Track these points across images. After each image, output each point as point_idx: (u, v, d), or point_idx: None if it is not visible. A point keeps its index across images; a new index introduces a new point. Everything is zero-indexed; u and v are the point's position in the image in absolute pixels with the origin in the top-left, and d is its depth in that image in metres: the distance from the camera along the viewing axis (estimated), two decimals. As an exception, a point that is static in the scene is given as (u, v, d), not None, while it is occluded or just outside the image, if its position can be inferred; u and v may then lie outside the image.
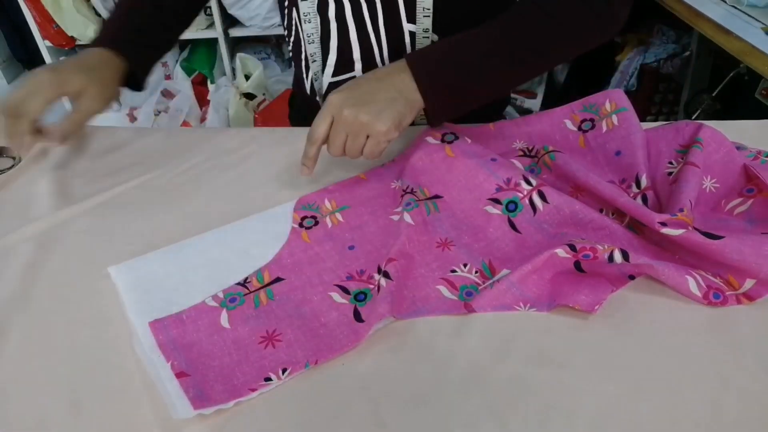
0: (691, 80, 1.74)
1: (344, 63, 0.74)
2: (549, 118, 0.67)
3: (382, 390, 0.46)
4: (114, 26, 0.73)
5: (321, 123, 0.60)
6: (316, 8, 0.71)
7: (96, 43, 0.69)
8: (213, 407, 0.44)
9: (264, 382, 0.46)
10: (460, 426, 0.43)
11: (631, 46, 1.88)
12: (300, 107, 0.92)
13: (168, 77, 2.28)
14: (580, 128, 0.66)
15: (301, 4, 0.71)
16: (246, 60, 2.18)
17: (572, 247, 0.53)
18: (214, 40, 2.21)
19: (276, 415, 0.45)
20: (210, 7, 2.08)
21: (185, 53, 2.32)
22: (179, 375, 0.46)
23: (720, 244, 0.50)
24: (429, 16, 0.68)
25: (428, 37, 0.69)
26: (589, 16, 0.61)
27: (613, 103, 0.64)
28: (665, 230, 0.52)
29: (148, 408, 0.45)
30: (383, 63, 0.72)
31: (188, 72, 2.24)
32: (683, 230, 0.51)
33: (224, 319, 0.51)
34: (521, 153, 0.67)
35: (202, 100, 2.19)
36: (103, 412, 0.45)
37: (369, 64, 0.73)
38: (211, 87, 2.16)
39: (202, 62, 2.28)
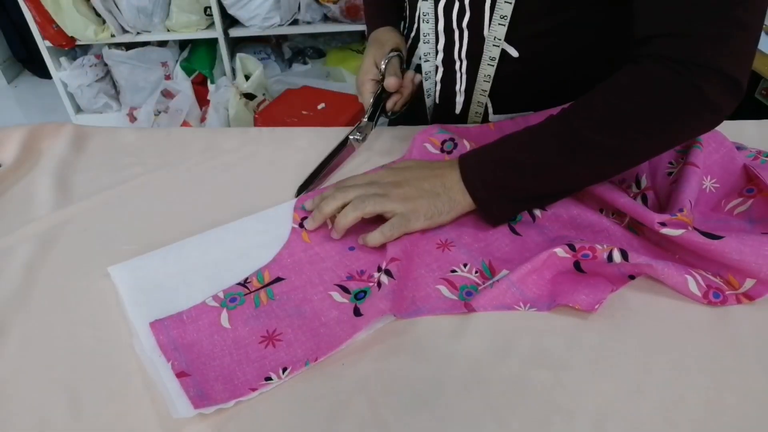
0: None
1: (429, 50, 0.77)
2: (550, 116, 0.67)
3: (382, 390, 0.46)
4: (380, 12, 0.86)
5: (355, 187, 0.60)
6: (433, 8, 0.73)
7: (377, 25, 0.83)
8: (213, 406, 0.44)
9: (264, 382, 0.46)
10: (460, 426, 0.43)
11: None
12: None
13: (168, 77, 2.28)
14: None
15: (422, 4, 0.73)
16: (246, 60, 2.18)
17: (571, 247, 0.53)
18: (214, 40, 2.22)
19: (276, 414, 0.45)
20: (210, 7, 2.08)
21: (185, 53, 2.32)
22: (180, 375, 0.46)
23: (720, 244, 0.50)
24: (504, 26, 0.66)
25: (498, 46, 0.68)
26: (679, 111, 0.53)
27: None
28: (665, 230, 0.52)
29: (149, 408, 0.45)
30: (460, 60, 0.73)
31: (188, 72, 2.24)
32: (683, 230, 0.51)
33: (224, 319, 0.51)
34: None
35: (202, 100, 2.19)
36: (103, 412, 0.45)
37: (448, 56, 0.74)
38: (211, 87, 2.16)
39: (202, 62, 2.28)
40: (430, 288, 0.54)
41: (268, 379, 0.46)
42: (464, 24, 0.69)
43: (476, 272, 0.56)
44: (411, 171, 0.62)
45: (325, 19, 2.19)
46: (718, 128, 0.61)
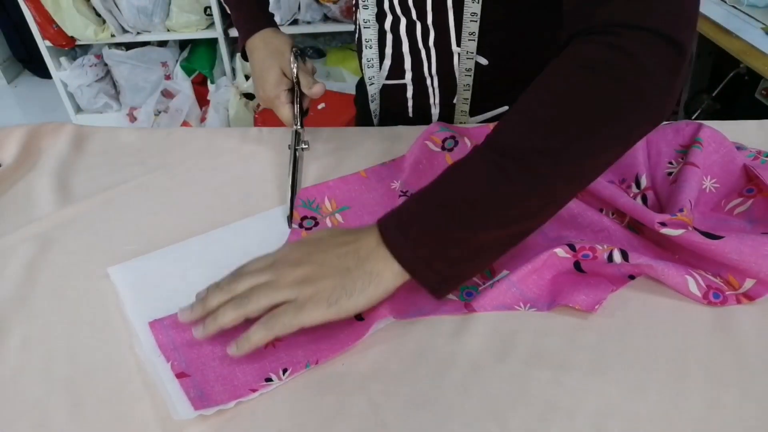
0: (691, 80, 1.74)
1: (397, 69, 0.77)
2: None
3: (382, 390, 0.46)
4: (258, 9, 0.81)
5: (248, 275, 0.48)
6: (374, 17, 0.73)
7: (257, 27, 0.77)
8: (214, 408, 0.44)
9: (265, 383, 0.46)
10: (460, 426, 0.43)
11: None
12: (361, 108, 0.94)
13: (168, 77, 2.28)
14: None
15: (362, 11, 0.73)
16: (246, 60, 2.18)
17: (572, 247, 0.53)
18: (214, 40, 2.22)
19: (276, 415, 0.45)
20: (210, 7, 2.08)
21: (185, 53, 2.32)
22: (179, 375, 0.46)
23: (720, 244, 0.50)
24: (474, 41, 0.68)
25: (471, 59, 0.70)
26: (615, 89, 0.44)
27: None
28: (665, 230, 0.52)
29: (149, 408, 0.45)
30: (431, 77, 0.75)
31: (188, 72, 2.24)
32: (683, 230, 0.51)
33: None
34: None
35: (202, 100, 2.20)
36: (104, 413, 0.45)
37: (418, 75, 0.76)
38: (211, 87, 2.16)
39: (202, 62, 2.28)
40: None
41: (269, 380, 0.46)
42: (430, 43, 0.71)
43: (476, 272, 0.55)
44: (319, 244, 0.49)
45: (325, 19, 2.19)
46: (718, 128, 0.61)
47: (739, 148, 0.64)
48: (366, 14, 0.72)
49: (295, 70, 0.72)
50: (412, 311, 0.52)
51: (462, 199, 0.45)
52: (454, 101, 0.76)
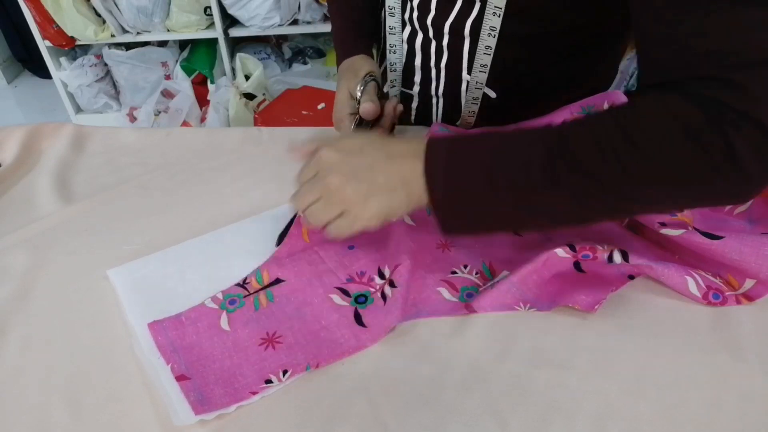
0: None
1: (406, 80, 0.78)
2: (548, 120, 0.67)
3: (382, 390, 0.46)
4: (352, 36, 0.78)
5: (304, 175, 0.53)
6: (400, 24, 0.73)
7: (347, 54, 0.76)
8: (214, 412, 0.44)
9: (265, 385, 0.46)
10: (460, 426, 0.43)
11: (631, 47, 1.88)
12: None
13: (168, 77, 2.28)
14: None
15: (388, 18, 0.73)
16: (246, 60, 2.18)
17: (572, 247, 0.53)
18: (214, 40, 2.21)
19: (276, 415, 0.45)
20: (210, 7, 2.08)
21: (185, 53, 2.32)
22: (179, 378, 0.46)
23: (720, 244, 0.50)
24: (485, 73, 0.68)
25: (480, 89, 0.70)
26: (697, 164, 0.41)
27: (611, 105, 0.64)
28: (665, 230, 0.52)
29: (149, 408, 0.45)
30: (437, 97, 0.75)
31: (188, 72, 2.24)
32: (683, 230, 0.51)
33: (224, 322, 0.51)
34: None
35: (202, 100, 2.19)
36: (103, 413, 0.45)
37: (425, 91, 0.76)
38: (211, 87, 2.16)
39: (202, 62, 2.28)
40: (430, 290, 0.54)
41: (269, 381, 0.46)
42: (442, 64, 0.71)
43: (477, 273, 0.55)
44: (363, 157, 0.51)
45: (325, 19, 2.19)
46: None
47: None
48: (392, 21, 0.73)
49: (359, 93, 0.68)
50: (412, 313, 0.52)
51: (508, 172, 0.46)
52: (457, 123, 0.76)
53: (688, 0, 0.41)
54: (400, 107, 0.71)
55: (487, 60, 0.67)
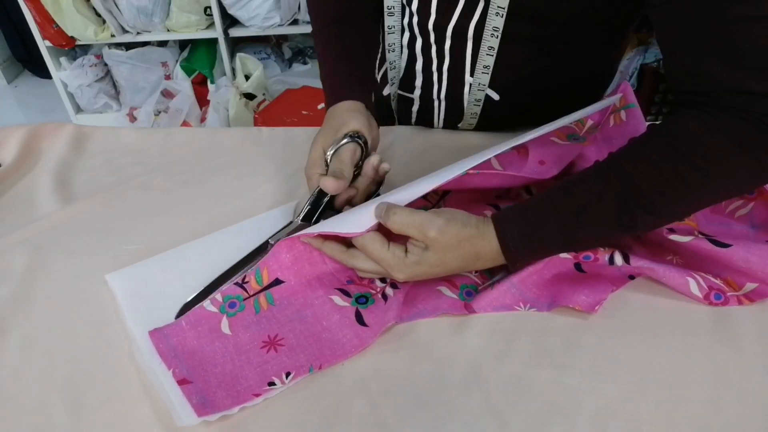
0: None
1: (407, 84, 0.77)
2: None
3: (382, 390, 0.46)
4: (344, 79, 0.69)
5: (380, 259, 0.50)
6: (399, 23, 0.72)
7: (336, 99, 0.66)
8: (217, 414, 0.44)
9: (268, 387, 0.46)
10: (460, 426, 0.43)
11: (631, 46, 1.88)
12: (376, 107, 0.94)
13: (168, 77, 2.28)
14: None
15: (387, 18, 0.72)
16: (246, 60, 2.18)
17: (572, 247, 0.53)
18: (214, 40, 2.21)
19: (276, 414, 0.45)
20: (210, 7, 2.08)
21: (185, 53, 2.32)
22: (181, 382, 0.46)
23: (727, 253, 0.50)
24: (487, 74, 0.68)
25: (483, 90, 0.70)
26: (753, 171, 0.47)
27: (623, 99, 0.63)
28: (673, 236, 0.52)
29: (149, 408, 0.45)
30: (439, 101, 0.75)
31: (188, 72, 2.24)
32: (691, 237, 0.51)
33: (225, 326, 0.51)
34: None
35: (202, 100, 2.19)
36: (104, 413, 0.45)
37: (426, 95, 0.75)
38: (211, 87, 2.16)
39: (202, 62, 2.28)
40: (430, 289, 0.54)
41: (272, 384, 0.46)
42: (444, 68, 0.71)
43: (476, 272, 0.55)
44: (436, 268, 0.51)
45: (325, 19, 2.19)
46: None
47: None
48: (391, 21, 0.72)
49: (329, 157, 0.59)
50: (412, 313, 0.52)
51: (586, 235, 0.50)
52: (459, 125, 0.76)
53: (715, 20, 0.45)
54: (386, 167, 0.61)
55: (490, 61, 0.67)
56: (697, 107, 0.47)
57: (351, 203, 0.60)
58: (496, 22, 0.63)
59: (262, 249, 0.58)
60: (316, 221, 0.58)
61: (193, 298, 0.54)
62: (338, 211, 0.60)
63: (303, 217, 0.58)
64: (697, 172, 0.46)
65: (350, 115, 0.62)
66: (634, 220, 0.48)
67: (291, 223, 0.59)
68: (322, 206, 0.58)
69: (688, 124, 0.47)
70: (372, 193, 0.62)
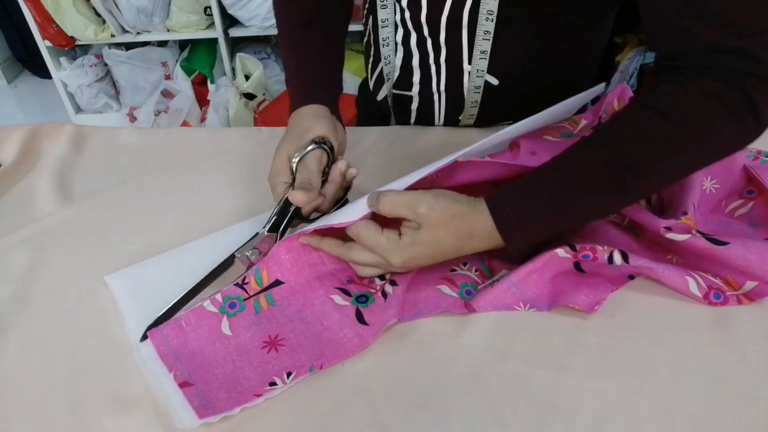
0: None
1: (405, 82, 0.76)
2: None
3: (382, 390, 0.46)
4: (309, 81, 0.68)
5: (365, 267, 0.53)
6: (393, 16, 0.72)
7: (300, 102, 0.64)
8: (219, 415, 0.44)
9: (269, 387, 0.46)
10: (460, 426, 0.43)
11: (631, 46, 1.88)
12: (362, 109, 0.94)
13: (168, 77, 2.28)
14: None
15: (380, 11, 0.72)
16: (246, 60, 2.18)
17: (572, 247, 0.53)
18: (214, 40, 2.21)
19: (276, 414, 0.45)
20: (210, 7, 2.08)
21: (185, 53, 2.32)
22: (183, 385, 0.46)
23: (725, 251, 0.50)
24: (485, 59, 0.68)
25: (482, 77, 0.70)
26: (736, 129, 0.48)
27: (621, 101, 0.63)
28: (670, 235, 0.52)
29: (149, 408, 0.45)
30: (438, 94, 0.74)
31: (188, 72, 2.24)
32: (688, 235, 0.51)
33: (225, 327, 0.51)
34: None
35: (202, 100, 2.19)
36: (104, 413, 0.45)
37: (426, 90, 0.75)
38: (211, 87, 2.16)
39: (202, 62, 2.28)
40: (431, 288, 0.54)
41: (273, 384, 0.46)
42: (441, 60, 0.71)
43: (476, 271, 0.55)
44: (431, 248, 0.50)
45: (325, 19, 2.19)
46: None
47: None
48: (384, 14, 0.71)
49: (294, 164, 0.57)
50: (413, 312, 0.52)
51: (578, 203, 0.50)
52: (460, 118, 0.76)
53: None
54: (353, 172, 0.59)
55: (487, 46, 0.67)
56: (676, 72, 0.49)
57: (319, 210, 0.59)
58: (490, 5, 0.63)
59: (228, 263, 0.56)
60: (284, 231, 0.57)
61: (160, 316, 0.51)
62: (306, 219, 0.59)
63: (270, 227, 0.56)
64: (677, 128, 0.47)
65: (315, 121, 0.60)
66: (624, 184, 0.48)
67: (257, 234, 0.56)
68: (289, 215, 0.57)
69: (665, 86, 0.49)
70: (340, 199, 0.61)
